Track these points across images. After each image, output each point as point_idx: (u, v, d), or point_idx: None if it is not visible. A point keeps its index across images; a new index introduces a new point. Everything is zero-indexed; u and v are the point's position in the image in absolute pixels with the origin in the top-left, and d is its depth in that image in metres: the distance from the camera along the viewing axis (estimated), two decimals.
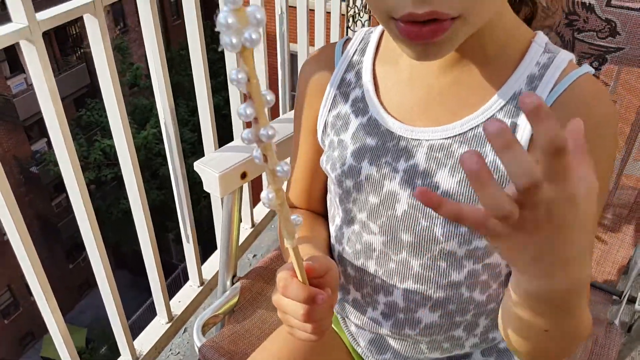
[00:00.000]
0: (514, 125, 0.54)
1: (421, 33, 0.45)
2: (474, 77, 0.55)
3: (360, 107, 0.61)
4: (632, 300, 0.90)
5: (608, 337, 0.85)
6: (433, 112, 0.57)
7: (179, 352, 1.33)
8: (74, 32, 11.58)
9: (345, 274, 0.67)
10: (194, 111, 10.29)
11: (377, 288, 0.64)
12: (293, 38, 1.51)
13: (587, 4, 0.82)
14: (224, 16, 0.29)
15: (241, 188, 0.85)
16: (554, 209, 0.34)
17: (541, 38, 0.56)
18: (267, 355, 0.69)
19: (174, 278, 10.87)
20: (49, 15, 0.78)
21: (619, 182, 0.88)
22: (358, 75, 0.62)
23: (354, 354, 0.73)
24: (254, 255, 1.57)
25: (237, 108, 0.34)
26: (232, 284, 0.89)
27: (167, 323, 1.24)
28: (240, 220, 0.89)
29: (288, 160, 0.38)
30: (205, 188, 0.82)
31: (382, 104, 0.60)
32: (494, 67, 0.55)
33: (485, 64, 0.55)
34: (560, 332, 0.44)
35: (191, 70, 1.11)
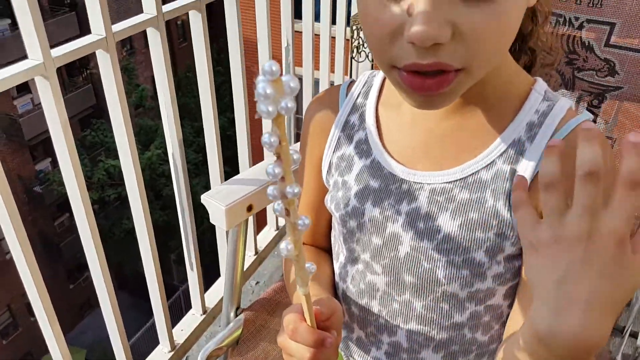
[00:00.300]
0: (514, 171, 0.55)
1: (425, 85, 0.47)
2: (474, 123, 0.57)
3: (363, 149, 0.63)
4: (634, 335, 0.90)
5: None
6: (435, 156, 0.59)
7: None
8: None
9: (349, 312, 0.68)
10: (199, 132, 10.36)
11: (381, 328, 0.65)
12: (298, 62, 1.54)
13: (587, 44, 0.84)
14: (263, 87, 0.31)
15: (247, 220, 0.86)
16: (600, 235, 0.38)
17: (540, 85, 0.58)
18: None
19: (175, 299, 10.82)
20: (64, 51, 0.80)
21: None
22: (362, 118, 0.64)
23: None
24: (257, 282, 1.57)
25: (266, 167, 0.36)
26: (236, 315, 0.90)
27: (170, 352, 1.24)
28: (245, 246, 0.90)
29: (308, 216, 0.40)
30: (212, 221, 0.83)
31: (385, 146, 0.62)
32: (494, 113, 0.57)
33: (486, 110, 0.56)
34: None
35: (197, 91, 1.14)
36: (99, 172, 10.91)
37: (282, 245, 0.42)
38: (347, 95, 0.67)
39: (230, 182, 0.87)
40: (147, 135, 12.34)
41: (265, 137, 0.34)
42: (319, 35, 1.55)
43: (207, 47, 1.11)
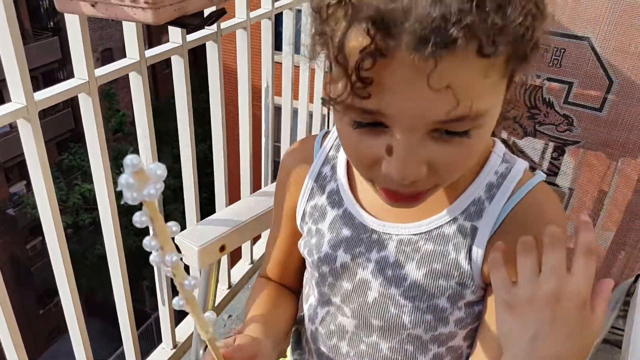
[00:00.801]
0: (474, 228, 0.58)
1: (402, 199, 0.51)
2: None
3: (335, 199, 0.66)
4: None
5: None
6: (403, 210, 0.62)
7: None
8: (47, 4, 11.61)
9: (318, 352, 0.70)
10: (177, 158, 10.35)
11: None
12: (278, 92, 1.58)
13: (548, 100, 0.90)
14: (125, 177, 0.35)
15: (219, 260, 0.88)
16: (567, 297, 0.45)
17: (499, 148, 0.62)
18: None
19: (147, 327, 10.61)
20: (46, 95, 0.82)
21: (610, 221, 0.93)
22: (333, 170, 0.68)
23: None
24: (229, 316, 1.58)
25: (144, 239, 0.40)
26: (204, 354, 0.91)
27: None
28: (217, 283, 0.91)
29: (195, 275, 0.43)
30: (185, 260, 0.85)
31: (356, 197, 0.65)
32: None
33: None
34: None
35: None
36: (75, 195, 10.77)
37: (174, 300, 0.46)
38: (321, 146, 0.70)
39: (205, 222, 0.89)
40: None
41: (135, 217, 0.38)
42: (298, 66, 1.61)
43: (189, 91, 1.14)
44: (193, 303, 0.46)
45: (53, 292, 11.34)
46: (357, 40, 0.41)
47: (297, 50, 1.60)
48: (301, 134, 1.89)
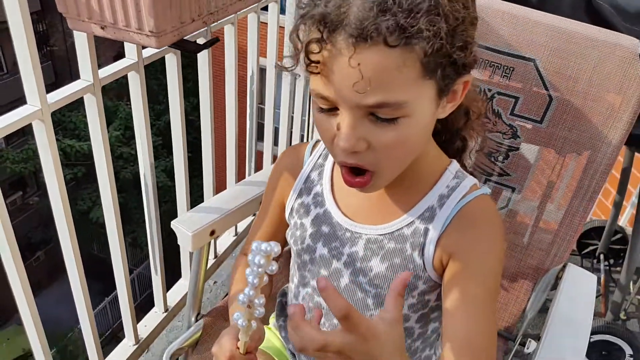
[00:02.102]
0: (427, 230, 0.73)
1: (353, 183, 0.67)
2: (402, 192, 0.75)
3: (319, 200, 0.80)
4: (523, 344, 1.10)
5: None
6: (371, 214, 0.76)
7: None
8: (41, 29, 11.43)
9: None
10: (159, 115, 10.28)
11: None
12: (263, 52, 1.66)
13: (496, 111, 1.03)
14: (257, 259, 0.53)
15: (209, 242, 1.02)
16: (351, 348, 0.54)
17: (453, 166, 0.76)
18: None
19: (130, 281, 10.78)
20: (58, 97, 0.94)
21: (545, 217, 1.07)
22: (320, 175, 0.82)
23: None
24: (215, 282, 1.74)
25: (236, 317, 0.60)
26: (197, 320, 1.06)
27: (134, 345, 1.39)
28: (207, 262, 1.05)
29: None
30: (179, 243, 0.99)
31: (335, 201, 0.79)
32: (417, 186, 0.75)
33: (411, 184, 0.74)
34: None
35: (161, 74, 1.27)
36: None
37: (236, 316, 0.61)
38: (311, 153, 0.84)
39: (196, 210, 1.02)
40: (106, 116, 12.15)
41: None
42: (283, 27, 1.69)
43: (145, 106, 1.19)
44: (249, 327, 0.62)
45: (34, 246, 11.40)
46: (306, 33, 0.60)
47: (282, 10, 1.69)
48: (285, 94, 1.92)
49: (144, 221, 1.37)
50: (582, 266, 2.16)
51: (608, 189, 2.37)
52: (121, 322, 1.35)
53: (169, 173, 10.51)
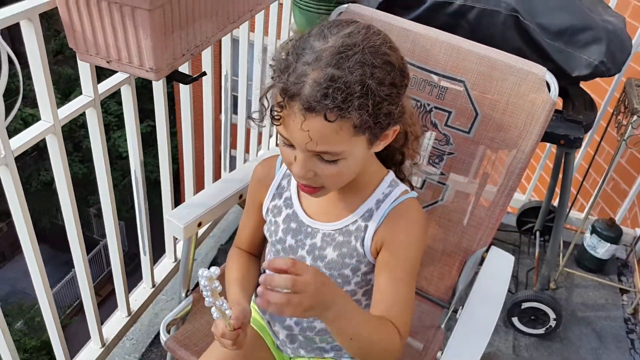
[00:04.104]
0: (366, 226, 0.95)
1: (306, 191, 0.90)
2: (349, 198, 0.97)
3: (289, 203, 1.02)
4: (455, 311, 1.34)
5: (435, 337, 1.30)
6: (326, 214, 0.98)
7: (132, 338, 1.69)
8: None
9: None
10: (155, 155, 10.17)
11: None
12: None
13: (434, 122, 1.25)
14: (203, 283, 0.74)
15: (197, 232, 1.22)
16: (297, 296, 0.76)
17: (389, 177, 0.98)
18: (217, 348, 1.08)
19: (96, 253, 10.86)
20: (68, 112, 1.11)
21: (473, 209, 1.30)
22: (289, 183, 1.03)
23: (273, 347, 1.13)
24: (194, 260, 1.94)
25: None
26: (186, 296, 1.26)
27: (127, 317, 1.60)
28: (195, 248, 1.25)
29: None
30: (172, 233, 1.19)
31: (301, 204, 1.00)
32: (360, 192, 0.97)
33: (355, 191, 0.96)
34: (357, 343, 0.85)
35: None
36: (15, 121, 10.52)
37: (212, 310, 0.82)
38: (281, 165, 1.04)
39: (185, 206, 1.21)
40: (67, 84, 11.93)
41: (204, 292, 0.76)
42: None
43: (136, 116, 1.32)
44: (224, 314, 0.83)
45: None
46: (272, 96, 0.82)
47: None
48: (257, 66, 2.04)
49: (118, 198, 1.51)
50: (520, 242, 2.45)
51: (544, 175, 2.65)
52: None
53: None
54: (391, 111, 0.82)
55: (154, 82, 1.36)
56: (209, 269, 0.74)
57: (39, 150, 11.25)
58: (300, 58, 0.78)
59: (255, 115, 0.89)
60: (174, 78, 1.03)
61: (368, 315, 0.89)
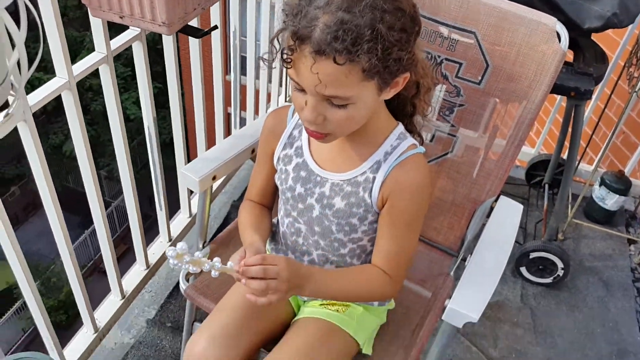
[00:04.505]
0: (374, 178, 0.97)
1: (314, 136, 0.92)
2: (358, 149, 0.99)
3: (299, 152, 1.04)
4: (464, 259, 1.38)
5: (445, 284, 1.34)
6: (335, 165, 1.00)
7: (151, 290, 1.75)
8: None
9: (286, 244, 1.12)
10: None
11: (303, 252, 1.09)
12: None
13: (444, 74, 1.26)
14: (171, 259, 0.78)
15: (212, 186, 1.25)
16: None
17: (398, 129, 1.00)
18: (235, 293, 1.12)
19: (108, 215, 10.98)
20: (82, 68, 1.13)
21: (483, 160, 1.32)
22: (300, 133, 1.05)
23: None
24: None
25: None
26: (203, 247, 1.31)
27: (145, 269, 1.65)
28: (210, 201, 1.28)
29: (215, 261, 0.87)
30: (188, 186, 1.22)
31: (311, 153, 1.03)
32: (369, 143, 0.98)
33: (364, 141, 0.98)
34: (343, 298, 1.05)
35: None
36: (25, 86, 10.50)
37: (213, 273, 0.88)
38: (293, 115, 1.06)
39: (199, 160, 1.23)
40: (72, 47, 11.85)
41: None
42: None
43: (148, 74, 1.30)
44: (224, 269, 0.88)
45: (9, 182, 11.41)
46: (284, 39, 0.84)
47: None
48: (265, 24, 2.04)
49: None
50: (529, 195, 2.47)
51: (553, 129, 2.64)
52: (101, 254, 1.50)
53: (140, 105, 10.44)
54: (401, 57, 0.83)
55: (164, 39, 1.37)
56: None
57: (47, 114, 11.28)
58: (312, 2, 0.80)
59: (266, 57, 0.91)
60: (186, 32, 1.04)
61: (347, 275, 1.02)
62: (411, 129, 1.05)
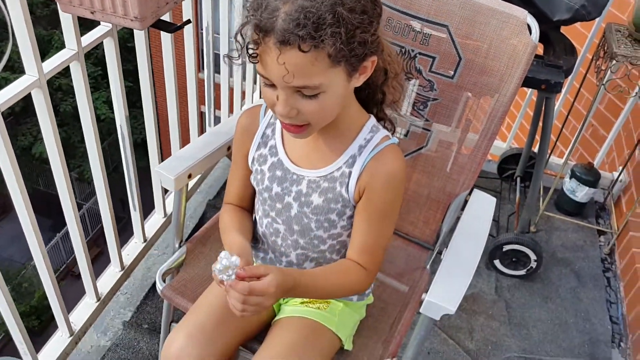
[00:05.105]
0: (350, 172, 0.97)
1: (290, 129, 0.91)
2: (331, 143, 0.99)
3: (274, 151, 1.03)
4: (440, 252, 1.40)
5: (422, 277, 1.35)
6: (311, 162, 1.00)
7: (126, 292, 1.72)
8: None
9: (265, 245, 1.11)
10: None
11: (281, 253, 1.09)
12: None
13: (418, 68, 1.27)
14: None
15: (187, 184, 1.24)
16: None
17: (370, 122, 1.00)
18: (212, 292, 1.11)
19: (80, 217, 10.77)
20: (53, 65, 1.10)
21: (457, 154, 1.33)
22: (273, 132, 1.04)
23: None
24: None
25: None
26: (180, 246, 1.29)
27: (120, 271, 1.62)
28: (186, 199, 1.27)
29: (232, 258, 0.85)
30: (163, 185, 1.20)
31: (285, 151, 1.02)
32: (342, 137, 0.98)
33: (338, 136, 0.98)
34: (324, 296, 1.05)
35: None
36: None
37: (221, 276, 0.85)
38: (265, 113, 1.05)
39: (173, 158, 1.22)
40: (41, 46, 11.53)
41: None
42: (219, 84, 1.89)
43: (120, 71, 1.30)
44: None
45: None
46: (248, 35, 0.83)
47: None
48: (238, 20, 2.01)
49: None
50: (501, 189, 2.51)
51: (524, 123, 2.69)
52: (74, 257, 1.47)
53: (110, 104, 10.32)
54: (365, 40, 0.83)
55: (135, 35, 1.35)
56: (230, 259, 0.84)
57: (15, 115, 11.01)
58: None
59: (233, 55, 0.90)
60: (158, 27, 1.03)
61: (328, 274, 1.01)
62: (382, 117, 1.05)
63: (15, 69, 9.59)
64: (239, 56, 0.87)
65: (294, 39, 0.77)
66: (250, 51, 0.82)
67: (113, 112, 1.41)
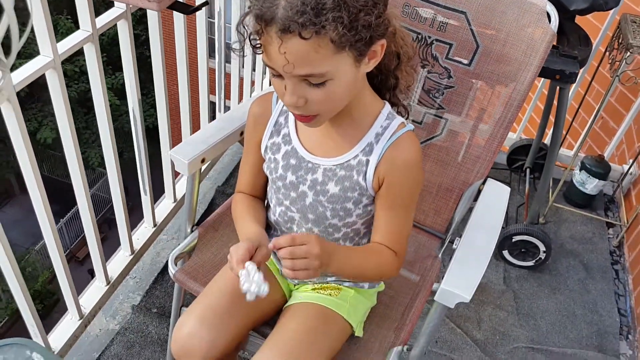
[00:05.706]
0: (367, 161, 0.97)
1: (300, 119, 0.91)
2: (347, 132, 0.98)
3: (287, 139, 1.02)
4: (451, 241, 1.39)
5: (433, 265, 1.35)
6: (326, 149, 0.99)
7: (135, 277, 1.73)
8: None
9: (281, 231, 1.11)
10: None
11: None
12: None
13: (435, 55, 1.25)
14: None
15: (200, 168, 1.23)
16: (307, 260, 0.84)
17: (386, 109, 0.99)
18: (223, 276, 1.11)
19: None
20: (67, 46, 1.09)
21: (471, 142, 1.33)
22: (286, 120, 1.03)
23: (278, 275, 1.16)
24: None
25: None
26: (192, 231, 1.29)
27: (130, 255, 1.62)
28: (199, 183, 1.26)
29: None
30: (177, 169, 1.19)
31: (299, 139, 1.01)
32: (358, 125, 0.97)
33: (353, 124, 0.97)
34: (357, 276, 1.03)
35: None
36: None
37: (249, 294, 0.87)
38: (277, 101, 1.04)
39: (186, 143, 1.21)
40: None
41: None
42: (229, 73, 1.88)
43: (133, 54, 1.30)
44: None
45: None
46: (250, 25, 0.83)
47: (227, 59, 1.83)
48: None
49: (93, 141, 1.53)
50: (511, 179, 2.50)
51: (534, 116, 2.67)
52: (79, 242, 1.49)
53: (116, 91, 10.35)
54: (370, 23, 0.81)
55: (149, 18, 1.33)
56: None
57: (20, 100, 10.96)
58: None
59: (235, 46, 0.89)
60: (175, 8, 1.02)
61: (363, 252, 1.01)
62: (395, 102, 1.04)
63: (20, 54, 9.54)
64: (241, 48, 0.87)
65: (294, 26, 0.76)
66: (254, 42, 0.82)
67: (118, 99, 1.41)
